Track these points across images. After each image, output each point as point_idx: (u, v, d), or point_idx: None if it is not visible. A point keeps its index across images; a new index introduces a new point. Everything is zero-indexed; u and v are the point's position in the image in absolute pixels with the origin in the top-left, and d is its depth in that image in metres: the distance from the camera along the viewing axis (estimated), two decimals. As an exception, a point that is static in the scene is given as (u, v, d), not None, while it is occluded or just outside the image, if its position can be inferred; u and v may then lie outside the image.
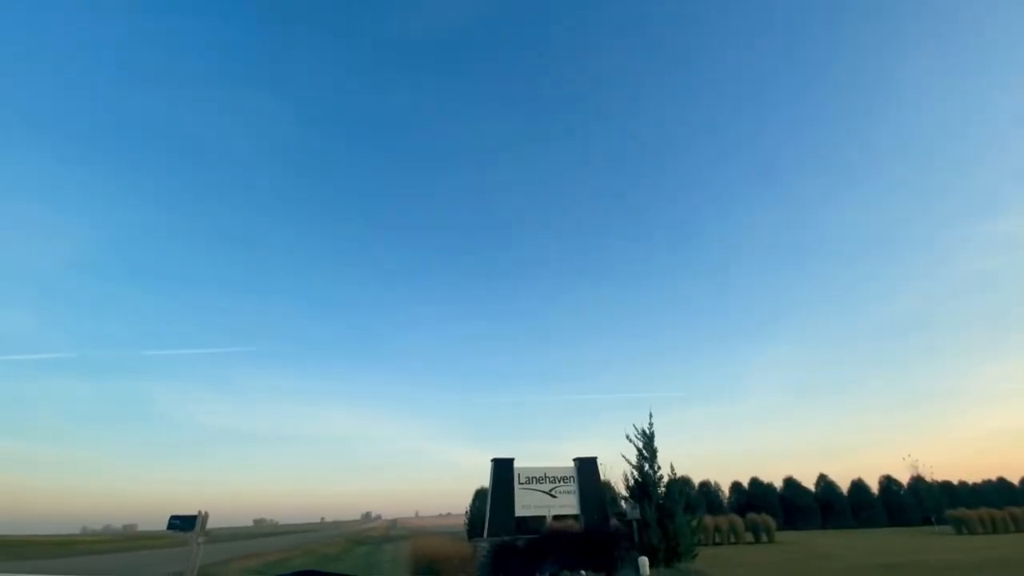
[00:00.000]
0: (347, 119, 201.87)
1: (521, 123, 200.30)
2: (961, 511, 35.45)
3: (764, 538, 31.24)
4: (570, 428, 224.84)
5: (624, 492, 20.48)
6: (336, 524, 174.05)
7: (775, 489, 46.38)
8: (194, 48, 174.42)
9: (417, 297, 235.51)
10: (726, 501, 45.32)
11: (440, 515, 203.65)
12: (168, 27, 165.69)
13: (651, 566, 16.02)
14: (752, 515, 33.05)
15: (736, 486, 46.97)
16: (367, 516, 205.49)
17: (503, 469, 18.94)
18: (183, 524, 19.54)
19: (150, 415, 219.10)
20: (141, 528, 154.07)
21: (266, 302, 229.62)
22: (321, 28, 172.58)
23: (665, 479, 18.72)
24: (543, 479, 19.36)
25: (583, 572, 15.66)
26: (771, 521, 32.12)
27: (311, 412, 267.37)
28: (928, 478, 47.59)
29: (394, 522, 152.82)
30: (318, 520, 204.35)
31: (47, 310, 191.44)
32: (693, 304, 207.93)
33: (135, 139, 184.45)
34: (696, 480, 46.75)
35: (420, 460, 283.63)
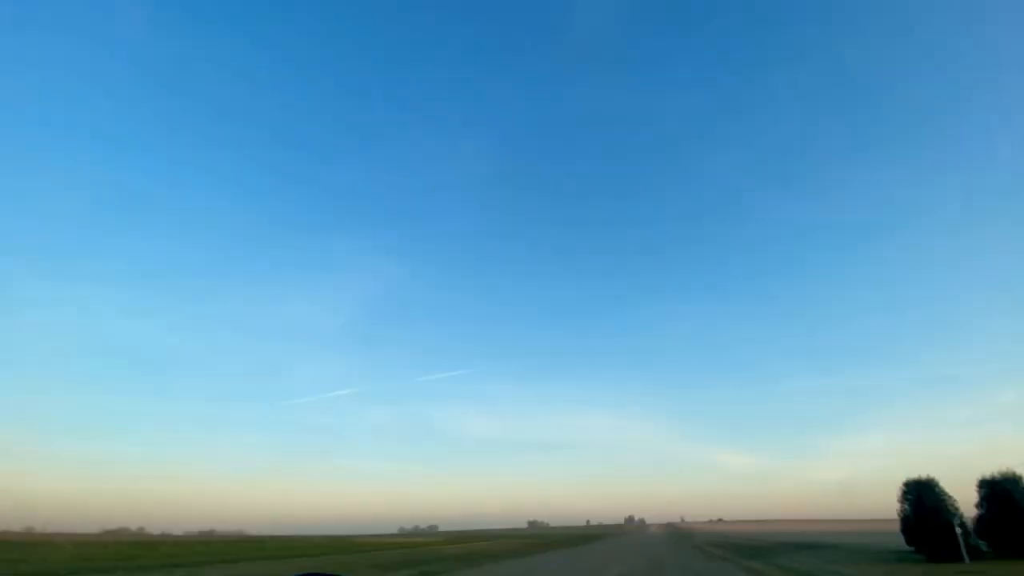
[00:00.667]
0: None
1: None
2: None
3: None
4: (842, 417, 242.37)
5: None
6: (603, 527, 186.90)
7: None
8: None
9: (655, 290, 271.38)
10: None
11: (710, 520, 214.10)
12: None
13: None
14: None
15: None
16: (630, 520, 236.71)
17: None
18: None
19: (433, 431, 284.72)
20: (441, 528, 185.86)
21: (511, 322, 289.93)
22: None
23: None
24: None
25: None
26: None
27: (565, 420, 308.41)
28: None
29: (672, 526, 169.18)
30: (583, 523, 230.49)
31: (347, 355, 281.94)
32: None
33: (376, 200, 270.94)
34: None
35: (676, 463, 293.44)
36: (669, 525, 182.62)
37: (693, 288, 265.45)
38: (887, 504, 24.08)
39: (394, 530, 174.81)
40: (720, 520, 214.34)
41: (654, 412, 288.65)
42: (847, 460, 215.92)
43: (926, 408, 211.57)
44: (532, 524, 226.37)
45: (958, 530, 18.95)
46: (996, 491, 19.60)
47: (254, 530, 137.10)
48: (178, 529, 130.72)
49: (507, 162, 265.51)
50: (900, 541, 23.69)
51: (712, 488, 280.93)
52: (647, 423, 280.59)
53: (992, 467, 20.83)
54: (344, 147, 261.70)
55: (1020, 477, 19.62)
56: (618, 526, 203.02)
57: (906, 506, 22.03)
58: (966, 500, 21.02)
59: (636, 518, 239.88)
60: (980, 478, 20.56)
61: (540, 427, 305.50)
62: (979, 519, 20.50)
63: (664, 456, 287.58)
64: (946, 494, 20.68)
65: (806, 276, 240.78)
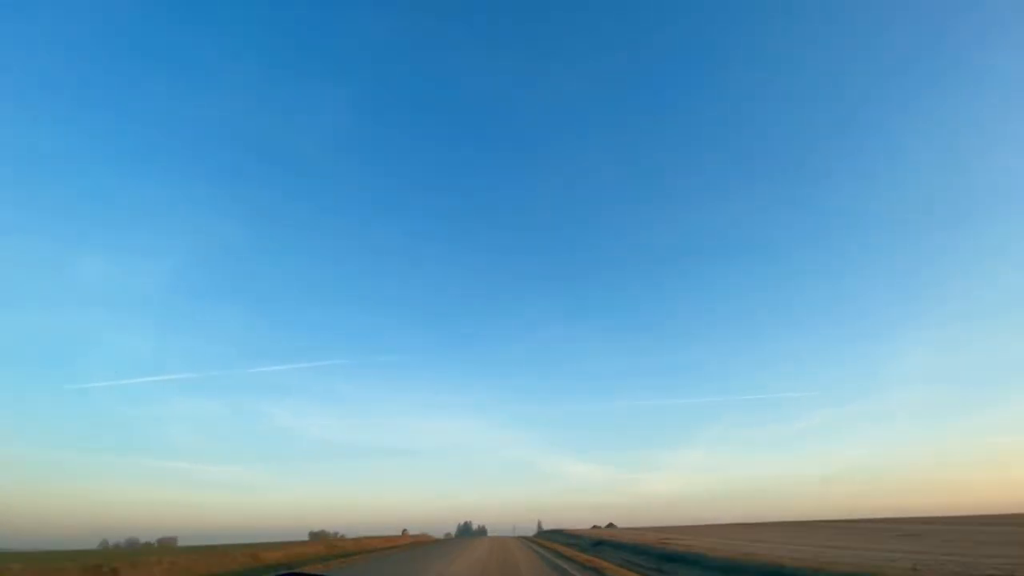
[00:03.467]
0: (419, 106, 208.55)
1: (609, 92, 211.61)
2: None
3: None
4: (686, 433, 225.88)
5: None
6: (418, 537, 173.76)
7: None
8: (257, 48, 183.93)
9: (517, 296, 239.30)
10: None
11: (594, 527, 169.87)
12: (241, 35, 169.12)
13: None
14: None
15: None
16: (464, 528, 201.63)
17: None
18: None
19: (272, 430, 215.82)
20: (181, 542, 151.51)
21: (367, 313, 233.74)
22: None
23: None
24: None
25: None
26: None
27: (417, 423, 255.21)
28: None
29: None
30: (398, 532, 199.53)
31: (160, 333, 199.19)
32: (815, 284, 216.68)
33: (211, 147, 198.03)
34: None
35: (527, 473, 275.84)
36: (539, 532, 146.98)
37: (554, 295, 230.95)
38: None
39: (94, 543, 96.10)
40: (611, 525, 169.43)
41: (505, 420, 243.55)
42: (677, 473, 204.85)
43: (741, 428, 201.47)
44: (315, 535, 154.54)
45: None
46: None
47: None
48: None
49: (379, 124, 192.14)
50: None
51: (566, 497, 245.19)
52: (495, 430, 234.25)
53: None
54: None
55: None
56: (446, 536, 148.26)
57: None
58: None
59: (475, 525, 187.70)
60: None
61: (387, 430, 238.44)
62: None
63: (516, 465, 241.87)
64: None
65: (660, 297, 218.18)
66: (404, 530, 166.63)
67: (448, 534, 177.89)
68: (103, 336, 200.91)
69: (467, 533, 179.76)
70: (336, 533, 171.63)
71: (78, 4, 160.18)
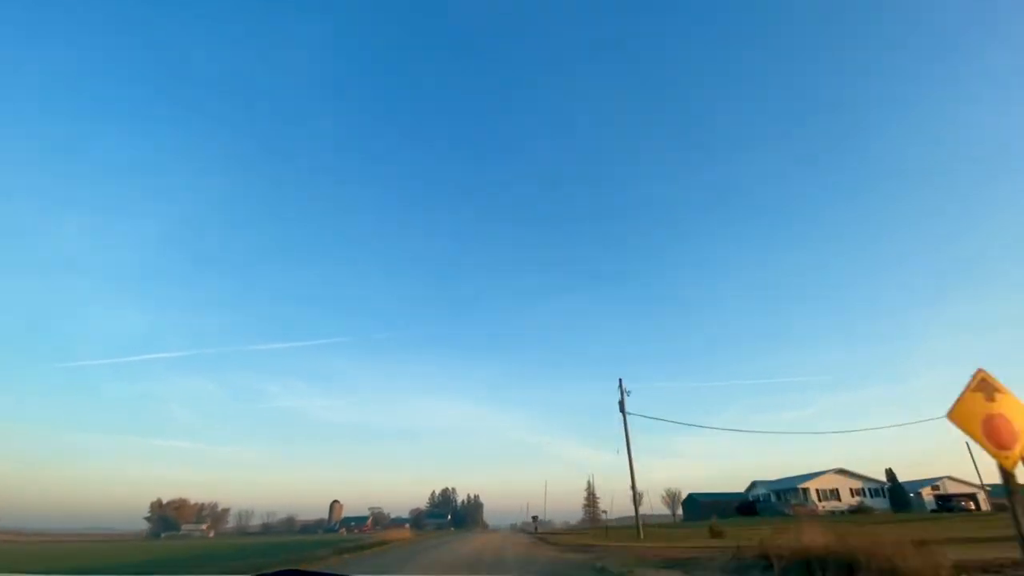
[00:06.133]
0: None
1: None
2: None
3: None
4: (694, 416, 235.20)
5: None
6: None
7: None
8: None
9: (517, 272, 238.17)
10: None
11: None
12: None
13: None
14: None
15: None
16: (445, 499, 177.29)
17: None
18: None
19: (270, 410, 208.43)
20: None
21: (367, 293, 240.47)
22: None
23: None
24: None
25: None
26: None
27: (414, 404, 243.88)
28: None
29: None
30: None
31: (155, 309, 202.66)
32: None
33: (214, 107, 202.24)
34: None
35: (530, 455, 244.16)
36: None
37: (558, 268, 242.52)
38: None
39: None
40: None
41: (505, 403, 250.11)
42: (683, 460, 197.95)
43: (758, 411, 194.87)
44: (157, 508, 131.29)
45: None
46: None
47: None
48: None
49: (373, 67, 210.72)
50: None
51: (566, 481, 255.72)
52: (496, 412, 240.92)
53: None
54: None
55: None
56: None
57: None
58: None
59: (463, 498, 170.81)
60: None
61: (387, 411, 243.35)
62: None
63: (517, 446, 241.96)
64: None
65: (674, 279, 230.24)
66: (335, 501, 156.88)
67: (416, 510, 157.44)
68: (89, 311, 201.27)
69: (442, 516, 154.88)
70: (220, 506, 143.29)
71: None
